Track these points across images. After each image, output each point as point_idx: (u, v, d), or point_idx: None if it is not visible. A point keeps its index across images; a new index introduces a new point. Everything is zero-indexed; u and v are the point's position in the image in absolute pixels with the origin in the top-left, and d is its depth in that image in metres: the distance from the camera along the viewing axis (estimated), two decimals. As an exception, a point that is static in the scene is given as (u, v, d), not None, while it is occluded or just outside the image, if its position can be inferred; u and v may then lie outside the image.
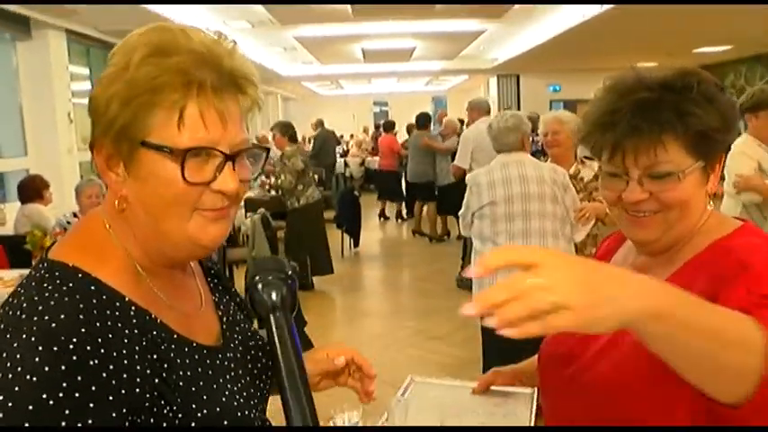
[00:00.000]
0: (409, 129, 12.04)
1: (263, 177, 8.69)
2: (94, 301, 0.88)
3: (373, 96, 26.58)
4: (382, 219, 12.50)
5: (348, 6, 8.18)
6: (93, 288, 0.90)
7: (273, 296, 0.92)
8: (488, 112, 6.85)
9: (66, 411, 0.79)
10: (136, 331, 0.90)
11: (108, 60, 0.94)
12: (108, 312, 0.89)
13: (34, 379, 0.79)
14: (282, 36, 10.84)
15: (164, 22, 0.96)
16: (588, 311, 0.77)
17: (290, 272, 0.96)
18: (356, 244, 9.85)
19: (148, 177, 0.92)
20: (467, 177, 3.59)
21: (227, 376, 1.03)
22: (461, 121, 10.96)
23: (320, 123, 14.18)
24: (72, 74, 7.89)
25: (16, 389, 0.79)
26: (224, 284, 1.21)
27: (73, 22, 7.53)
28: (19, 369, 0.79)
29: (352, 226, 9.64)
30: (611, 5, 7.83)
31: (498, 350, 3.21)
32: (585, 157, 4.06)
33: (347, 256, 9.51)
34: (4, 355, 0.81)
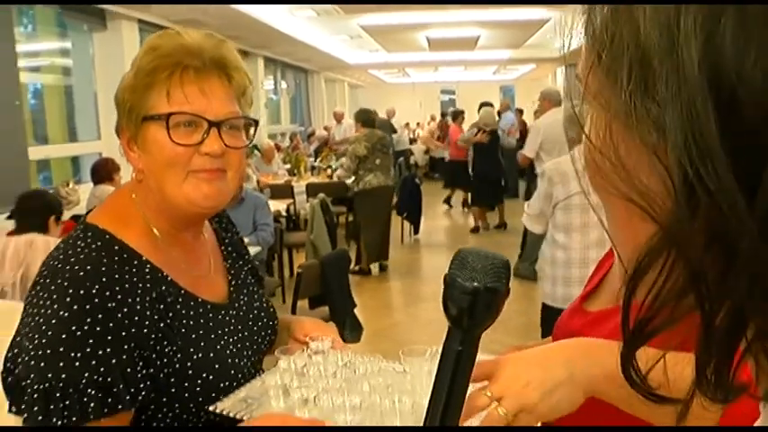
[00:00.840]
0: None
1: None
2: (116, 257, 1.10)
3: (440, 84, 26.50)
4: (447, 206, 12.50)
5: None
6: (116, 247, 1.11)
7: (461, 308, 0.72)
8: (560, 103, 6.77)
9: (90, 341, 1.01)
10: (148, 285, 1.11)
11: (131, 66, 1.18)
12: (126, 267, 1.09)
13: (66, 314, 1.01)
14: (348, 24, 10.96)
15: (164, 30, 1.20)
16: (543, 404, 0.88)
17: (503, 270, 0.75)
18: (416, 231, 9.92)
19: (150, 146, 1.14)
20: (545, 167, 3.41)
21: (227, 329, 1.22)
22: (520, 111, 10.72)
23: (373, 113, 14.30)
24: (144, 62, 8.18)
25: (53, 321, 1.01)
26: (238, 252, 1.40)
27: (145, 12, 7.82)
28: (55, 306, 1.02)
29: (412, 213, 9.72)
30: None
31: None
32: None
33: (407, 242, 9.60)
34: (45, 295, 1.04)
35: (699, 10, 0.34)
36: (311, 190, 8.19)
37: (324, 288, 4.24)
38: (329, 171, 9.38)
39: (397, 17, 10.23)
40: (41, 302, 1.04)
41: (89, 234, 1.11)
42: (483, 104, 10.69)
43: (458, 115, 12.50)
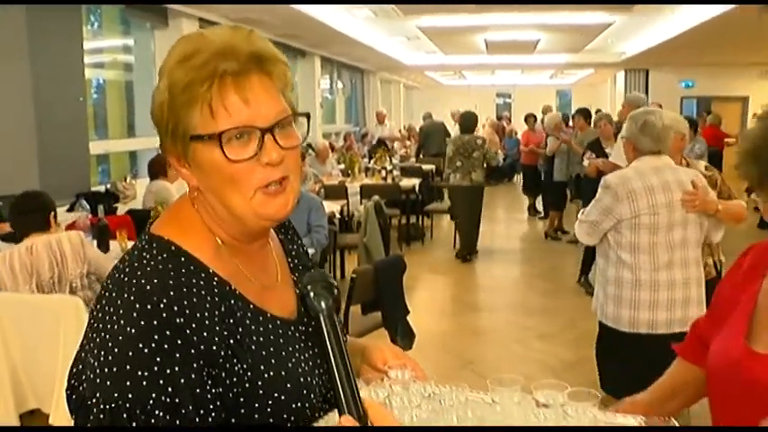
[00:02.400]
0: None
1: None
2: (183, 270, 1.04)
3: (497, 88, 26.27)
4: (533, 214, 12.05)
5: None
6: (182, 259, 1.06)
7: (323, 304, 1.00)
8: None
9: (158, 359, 0.95)
10: (216, 299, 1.05)
11: (158, 76, 1.09)
12: (194, 280, 1.04)
13: (133, 331, 0.96)
14: (406, 26, 10.91)
15: (186, 34, 1.10)
16: None
17: (333, 282, 1.05)
18: (469, 236, 9.79)
19: (204, 167, 1.06)
20: (609, 180, 3.14)
21: (297, 346, 1.15)
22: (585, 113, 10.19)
23: (428, 116, 14.70)
24: (202, 59, 8.29)
25: (119, 338, 0.96)
26: (304, 263, 1.32)
27: (205, 11, 7.90)
28: (122, 322, 0.97)
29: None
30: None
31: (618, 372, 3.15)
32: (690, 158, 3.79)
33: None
34: (111, 309, 0.99)
35: None
36: (365, 191, 8.16)
37: (377, 294, 4.18)
38: (383, 172, 9.34)
39: (455, 19, 10.14)
40: (107, 317, 0.99)
41: (154, 245, 1.06)
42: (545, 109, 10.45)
43: (528, 118, 12.27)
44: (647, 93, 16.91)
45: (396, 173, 9.50)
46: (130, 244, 4.64)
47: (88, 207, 4.82)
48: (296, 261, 1.31)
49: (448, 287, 7.79)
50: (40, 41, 5.45)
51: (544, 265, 8.40)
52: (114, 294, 1.00)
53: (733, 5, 8.10)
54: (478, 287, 7.63)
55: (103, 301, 1.01)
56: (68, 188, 5.76)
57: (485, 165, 8.39)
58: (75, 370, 1.01)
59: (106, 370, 0.95)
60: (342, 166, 10.03)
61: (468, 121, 8.53)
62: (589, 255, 6.49)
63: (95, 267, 3.71)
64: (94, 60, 7.51)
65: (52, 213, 3.72)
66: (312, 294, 1.01)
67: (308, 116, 1.15)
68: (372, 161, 10.15)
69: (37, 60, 5.44)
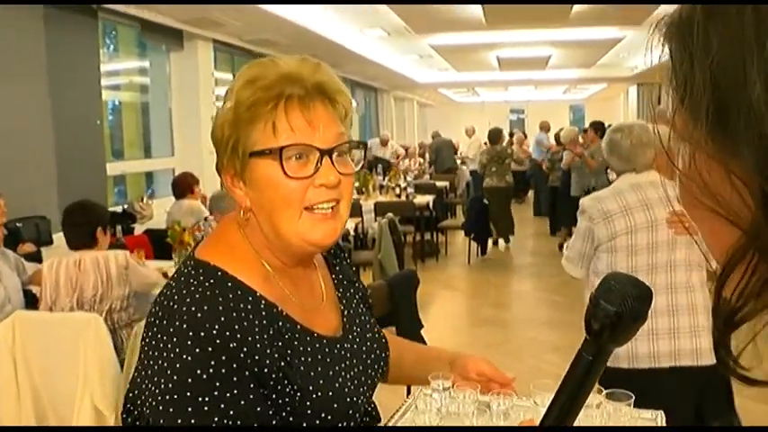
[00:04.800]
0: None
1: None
2: (231, 295, 1.06)
3: (510, 104, 26.33)
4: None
5: (481, 15, 8.20)
6: (229, 284, 1.08)
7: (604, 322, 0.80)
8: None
9: (217, 383, 0.99)
10: (264, 322, 1.07)
11: (224, 98, 1.14)
12: (242, 305, 1.06)
13: (189, 358, 0.99)
14: (418, 44, 11.00)
15: (258, 59, 1.15)
16: None
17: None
18: (483, 252, 9.83)
19: (260, 183, 1.09)
20: (583, 203, 2.95)
21: (343, 365, 1.18)
22: (597, 126, 10.22)
23: (436, 134, 15.11)
24: (217, 79, 8.42)
25: (177, 366, 0.99)
26: (348, 278, 1.36)
27: (220, 32, 8.02)
28: (177, 350, 1.00)
29: (480, 234, 9.63)
30: None
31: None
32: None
33: (474, 263, 9.51)
34: (165, 338, 1.01)
35: (760, 60, 0.43)
36: (379, 209, 8.20)
37: (391, 308, 4.21)
38: (397, 190, 9.39)
39: (466, 37, 10.21)
40: (162, 345, 1.01)
41: (200, 271, 1.08)
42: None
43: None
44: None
45: (410, 190, 9.53)
46: (148, 263, 4.76)
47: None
48: (340, 276, 1.34)
49: (462, 302, 7.81)
50: (58, 64, 5.55)
51: (555, 279, 8.39)
52: (166, 323, 1.02)
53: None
54: (492, 301, 7.63)
55: (155, 329, 1.04)
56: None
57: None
58: (131, 394, 1.05)
59: (167, 397, 0.98)
60: (356, 183, 10.08)
61: (495, 135, 10.29)
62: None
63: (138, 286, 3.72)
64: (111, 83, 7.64)
65: (100, 228, 3.71)
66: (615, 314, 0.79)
67: (364, 145, 1.20)
68: (386, 179, 10.22)
69: (55, 83, 5.54)
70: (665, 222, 2.75)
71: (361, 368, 1.22)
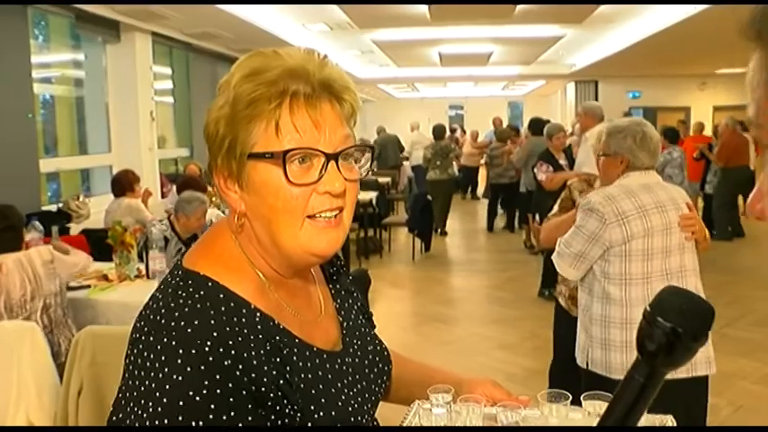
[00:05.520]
0: (502, 134, 11.77)
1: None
2: (223, 308, 0.97)
3: (449, 100, 26.48)
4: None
5: (426, 11, 8.18)
6: (221, 296, 0.98)
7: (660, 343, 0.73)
8: (602, 119, 6.51)
9: (212, 406, 0.89)
10: (260, 336, 0.98)
11: (218, 91, 1.03)
12: (235, 319, 0.97)
13: (180, 378, 0.89)
14: (360, 39, 10.93)
15: (259, 49, 1.03)
16: None
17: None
18: (427, 248, 9.83)
19: (259, 188, 0.99)
20: (592, 200, 2.66)
21: (345, 380, 1.09)
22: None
23: (381, 130, 15.13)
24: (155, 74, 8.17)
25: (167, 387, 0.89)
26: (346, 288, 1.26)
27: (159, 25, 7.78)
28: (166, 369, 0.90)
29: (423, 230, 9.63)
30: (700, 7, 7.56)
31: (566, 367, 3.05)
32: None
33: (418, 259, 9.50)
34: (152, 356, 0.91)
35: None
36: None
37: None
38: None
39: (410, 33, 10.19)
40: (148, 364, 0.91)
41: (189, 282, 0.99)
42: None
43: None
44: (596, 104, 17.27)
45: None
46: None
47: (41, 228, 4.67)
48: (338, 286, 1.25)
49: (408, 300, 7.79)
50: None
51: (501, 275, 8.46)
52: (153, 339, 0.92)
53: (678, 20, 8.32)
54: (438, 299, 7.63)
55: (141, 346, 0.94)
56: (18, 208, 5.58)
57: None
58: (114, 418, 0.94)
59: (157, 422, 0.88)
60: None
61: (440, 131, 11.09)
62: (550, 267, 6.49)
63: (67, 276, 3.66)
64: (43, 75, 7.32)
65: (24, 230, 3.61)
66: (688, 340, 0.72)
67: (372, 150, 1.10)
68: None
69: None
70: (677, 225, 2.62)
71: (364, 384, 1.13)
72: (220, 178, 1.03)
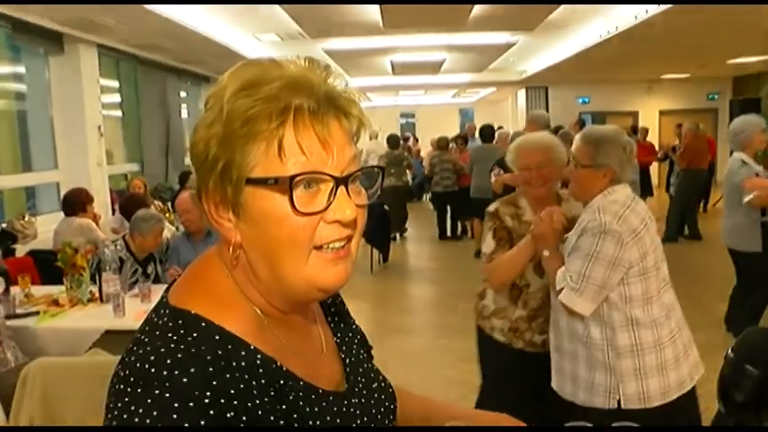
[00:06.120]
0: (440, 142, 11.84)
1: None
2: (220, 352, 0.85)
3: (400, 108, 26.51)
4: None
5: (379, 18, 8.10)
6: (217, 337, 0.87)
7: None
8: (547, 126, 6.64)
9: None
10: (263, 381, 0.87)
11: (205, 106, 0.91)
12: (235, 363, 0.85)
13: None
14: (312, 49, 10.78)
15: (253, 58, 0.92)
16: None
17: None
18: (385, 259, 9.74)
19: (259, 218, 0.87)
20: (608, 223, 2.41)
21: (353, 424, 0.99)
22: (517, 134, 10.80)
23: None
24: (102, 87, 7.91)
25: None
26: (345, 321, 1.15)
27: (103, 36, 7.54)
28: (159, 426, 0.77)
29: (380, 241, 9.54)
30: (651, 11, 7.66)
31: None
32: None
33: (376, 270, 9.40)
34: (140, 411, 0.78)
35: None
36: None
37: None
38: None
39: (362, 42, 10.10)
40: (137, 420, 0.78)
41: (180, 323, 0.87)
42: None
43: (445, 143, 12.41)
44: (547, 109, 17.46)
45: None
46: (35, 289, 4.34)
47: None
48: (336, 319, 1.13)
49: (369, 311, 7.67)
50: None
51: (459, 285, 8.40)
52: (141, 391, 0.79)
53: (628, 25, 8.42)
54: (398, 309, 7.54)
55: (126, 399, 0.80)
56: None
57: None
58: None
59: None
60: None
61: (394, 140, 11.89)
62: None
63: None
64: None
65: None
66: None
67: (382, 171, 0.99)
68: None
69: None
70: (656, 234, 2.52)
71: (372, 425, 1.03)
72: (211, 205, 0.90)
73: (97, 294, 4.06)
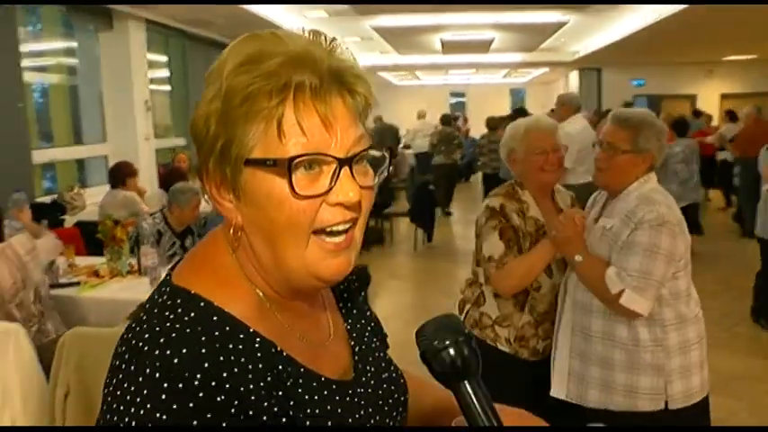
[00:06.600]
0: (489, 123, 11.70)
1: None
2: (217, 332, 0.82)
3: (450, 87, 26.28)
4: None
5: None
6: (215, 318, 0.84)
7: (455, 359, 0.80)
8: (579, 109, 6.43)
9: None
10: (260, 366, 0.84)
11: (207, 81, 0.87)
12: (231, 346, 0.82)
13: (164, 417, 0.75)
14: (360, 26, 10.74)
15: (254, 32, 0.87)
16: None
17: (467, 331, 0.84)
18: (429, 239, 9.69)
19: (259, 200, 0.83)
20: (664, 214, 2.25)
21: (357, 415, 0.94)
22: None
23: (378, 119, 15.26)
24: (150, 62, 8.02)
25: (149, 426, 0.75)
26: (358, 308, 1.10)
27: (151, 12, 7.62)
28: (148, 406, 0.76)
29: (425, 221, 9.48)
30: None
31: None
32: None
33: (420, 250, 9.37)
34: (132, 389, 0.77)
35: None
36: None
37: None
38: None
39: (411, 19, 10.01)
40: (128, 398, 0.77)
41: (178, 302, 0.84)
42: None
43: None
44: (599, 91, 17.10)
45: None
46: (79, 260, 4.43)
47: (24, 196, 4.54)
48: (348, 305, 1.08)
49: (411, 292, 7.65)
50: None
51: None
52: (134, 369, 0.78)
53: (682, 6, 8.14)
54: (441, 290, 7.48)
55: (120, 376, 0.79)
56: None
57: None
58: None
59: None
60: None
61: (447, 118, 12.50)
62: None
63: (46, 258, 3.63)
64: (36, 64, 7.17)
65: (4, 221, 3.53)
66: (450, 350, 0.80)
67: (390, 150, 0.94)
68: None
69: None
70: None
71: (378, 417, 0.98)
72: (212, 185, 0.87)
73: (136, 267, 4.11)
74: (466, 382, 0.79)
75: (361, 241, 0.89)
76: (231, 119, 0.81)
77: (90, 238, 5.01)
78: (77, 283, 3.96)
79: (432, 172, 11.86)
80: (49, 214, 5.55)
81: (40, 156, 6.47)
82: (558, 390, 2.49)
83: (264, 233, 0.85)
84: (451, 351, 0.79)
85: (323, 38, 0.86)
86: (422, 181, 10.47)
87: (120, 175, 5.68)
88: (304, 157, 0.81)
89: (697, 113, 13.27)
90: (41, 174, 7.07)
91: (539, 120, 2.73)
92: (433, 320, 0.83)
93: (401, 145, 14.79)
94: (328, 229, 0.84)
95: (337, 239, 0.85)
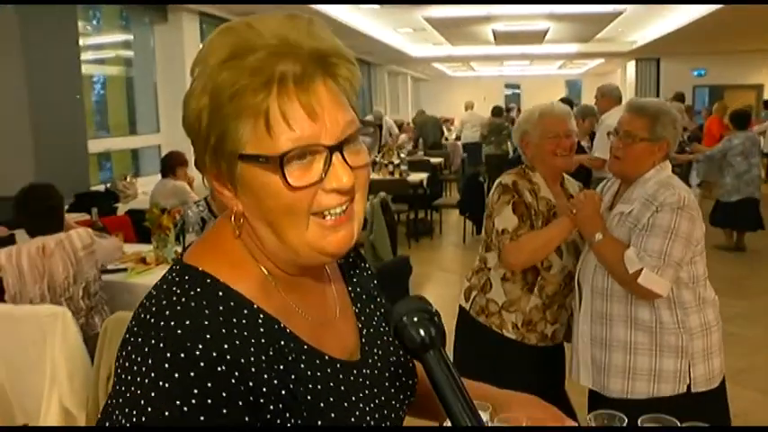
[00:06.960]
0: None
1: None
2: (221, 307, 0.86)
3: (505, 78, 26.06)
4: None
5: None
6: (220, 294, 0.87)
7: (422, 333, 0.83)
8: (620, 101, 6.28)
9: (201, 417, 0.79)
10: (263, 340, 0.87)
11: (191, 74, 0.88)
12: (234, 320, 0.85)
13: (166, 385, 0.79)
14: (411, 17, 10.73)
15: (228, 24, 0.88)
16: None
17: (433, 309, 0.88)
18: (479, 231, 9.63)
19: (256, 191, 0.86)
20: (684, 197, 2.28)
21: (360, 394, 0.97)
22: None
23: (421, 112, 15.60)
24: (204, 54, 8.17)
25: (152, 394, 0.79)
26: (368, 292, 1.12)
27: (205, 5, 7.75)
28: (152, 375, 0.79)
29: (475, 212, 9.42)
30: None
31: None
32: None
33: (469, 242, 9.32)
34: (139, 359, 0.81)
35: None
36: (372, 187, 7.95)
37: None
38: (390, 167, 9.17)
39: (462, 10, 9.95)
40: (135, 368, 0.81)
41: (186, 278, 0.87)
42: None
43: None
44: (658, 82, 16.68)
45: (403, 167, 9.32)
46: (127, 247, 4.55)
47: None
48: (358, 289, 1.10)
49: (458, 285, 7.56)
50: (33, 39, 5.31)
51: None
52: (141, 340, 0.82)
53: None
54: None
55: (129, 348, 0.83)
56: (66, 189, 5.61)
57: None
58: (100, 424, 0.84)
59: None
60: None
61: (498, 109, 12.41)
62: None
63: (104, 259, 3.62)
64: (96, 57, 7.38)
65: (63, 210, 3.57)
66: (412, 327, 0.84)
67: (378, 128, 0.96)
68: (380, 155, 10.01)
69: (31, 58, 5.30)
70: None
71: (383, 398, 1.00)
72: (211, 177, 0.89)
73: (181, 254, 4.19)
74: (431, 351, 0.82)
75: (364, 211, 0.91)
76: (221, 116, 0.83)
77: (139, 226, 5.13)
78: (125, 270, 4.06)
79: (482, 163, 11.83)
80: (102, 202, 5.70)
81: (96, 146, 6.65)
82: (584, 378, 2.48)
83: (265, 219, 0.87)
84: (420, 327, 0.82)
85: (299, 20, 0.86)
86: (472, 172, 10.41)
87: (171, 164, 5.79)
88: (294, 151, 0.82)
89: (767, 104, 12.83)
90: (98, 163, 7.28)
91: (553, 105, 2.74)
92: (404, 301, 0.85)
93: (444, 136, 14.83)
94: (327, 212, 0.86)
95: (336, 216, 0.87)
